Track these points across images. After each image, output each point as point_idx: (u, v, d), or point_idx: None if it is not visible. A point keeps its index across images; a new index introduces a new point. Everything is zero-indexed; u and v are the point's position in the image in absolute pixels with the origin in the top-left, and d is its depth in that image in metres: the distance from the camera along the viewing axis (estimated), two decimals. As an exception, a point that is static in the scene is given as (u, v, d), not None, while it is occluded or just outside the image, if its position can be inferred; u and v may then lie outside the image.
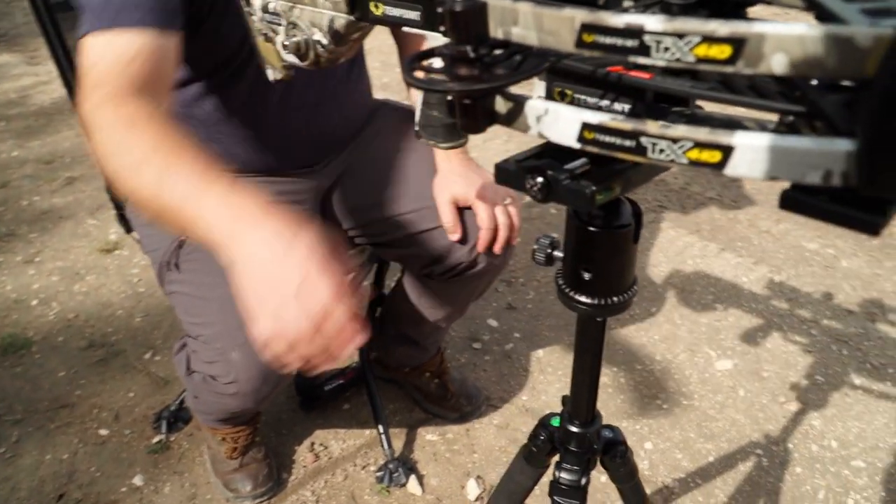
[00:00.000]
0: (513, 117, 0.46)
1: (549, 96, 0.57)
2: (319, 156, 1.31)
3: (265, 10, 0.80)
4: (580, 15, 0.39)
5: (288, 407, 1.72)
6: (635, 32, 0.37)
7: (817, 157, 0.35)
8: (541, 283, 2.13)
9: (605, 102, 0.54)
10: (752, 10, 0.52)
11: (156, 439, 1.66)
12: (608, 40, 0.38)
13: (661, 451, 1.60)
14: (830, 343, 1.86)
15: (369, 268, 1.65)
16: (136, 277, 2.17)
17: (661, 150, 0.40)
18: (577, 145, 0.43)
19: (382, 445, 1.57)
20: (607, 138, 0.42)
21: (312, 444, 1.64)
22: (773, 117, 0.46)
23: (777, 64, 0.34)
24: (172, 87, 0.95)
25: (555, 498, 0.78)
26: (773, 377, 1.77)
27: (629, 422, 1.67)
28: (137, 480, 1.57)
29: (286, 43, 0.78)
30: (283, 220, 0.68)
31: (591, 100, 0.55)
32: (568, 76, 0.55)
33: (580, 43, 0.39)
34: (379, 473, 1.55)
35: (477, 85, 0.43)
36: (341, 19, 0.72)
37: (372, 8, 0.67)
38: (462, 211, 1.24)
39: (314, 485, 1.54)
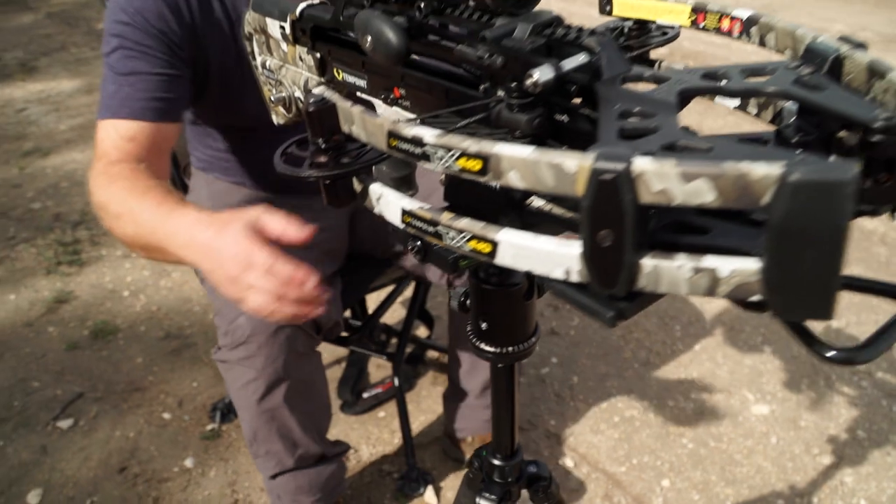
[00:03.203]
0: (364, 197, 0.54)
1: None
2: None
3: (264, 66, 0.92)
4: (387, 124, 0.46)
5: (328, 410, 1.85)
6: (419, 142, 0.44)
7: (558, 258, 0.41)
8: (588, 311, 2.16)
9: None
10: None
11: (209, 427, 1.82)
12: (405, 146, 0.45)
13: (678, 490, 1.60)
14: (881, 398, 1.79)
15: (405, 286, 1.75)
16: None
17: (452, 238, 0.46)
18: (401, 226, 0.50)
19: (406, 455, 1.66)
20: (418, 223, 0.49)
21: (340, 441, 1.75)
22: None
23: (514, 179, 0.40)
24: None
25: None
26: (810, 427, 1.73)
27: (650, 457, 1.68)
28: (188, 462, 1.73)
29: (272, 98, 0.90)
30: (235, 218, 0.86)
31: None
32: None
33: (389, 146, 0.47)
34: (399, 481, 1.64)
35: (322, 172, 0.52)
36: (314, 80, 0.82)
37: (335, 73, 0.77)
38: None
39: (340, 485, 1.65)
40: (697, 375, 1.90)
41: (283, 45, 0.85)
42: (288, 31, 0.81)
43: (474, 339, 0.71)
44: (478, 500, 0.84)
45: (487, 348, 0.70)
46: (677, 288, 0.38)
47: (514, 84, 0.50)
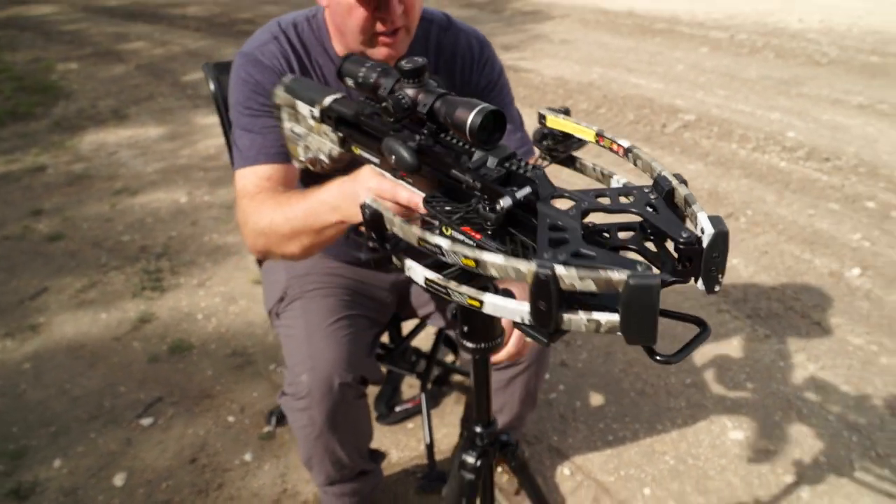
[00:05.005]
0: (403, 268, 0.85)
1: (441, 232, 0.94)
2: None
3: (291, 130, 1.22)
4: (417, 231, 0.77)
5: (365, 419, 2.18)
6: (438, 246, 0.75)
7: (518, 311, 0.69)
8: (595, 346, 2.46)
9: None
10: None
11: (266, 429, 2.17)
12: (429, 246, 0.75)
13: (657, 498, 1.88)
14: (843, 430, 2.05)
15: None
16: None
17: (458, 296, 0.74)
18: (423, 286, 0.79)
19: (429, 459, 1.98)
20: (435, 287, 0.77)
21: (377, 449, 2.08)
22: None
23: (493, 272, 0.69)
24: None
25: (460, 471, 1.17)
26: (778, 451, 2.00)
27: (636, 470, 1.97)
28: (248, 457, 2.08)
29: (302, 158, 1.21)
30: (360, 169, 1.06)
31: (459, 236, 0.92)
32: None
33: (419, 244, 0.76)
34: (422, 480, 1.96)
35: (374, 254, 0.84)
36: (336, 150, 1.14)
37: (353, 148, 1.09)
38: None
39: (371, 480, 1.97)
40: (685, 405, 2.18)
41: (310, 121, 1.13)
42: (317, 114, 1.10)
43: (459, 338, 1.04)
44: (463, 456, 1.16)
45: (468, 344, 1.03)
46: (580, 328, 0.67)
47: (487, 199, 0.81)
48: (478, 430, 1.16)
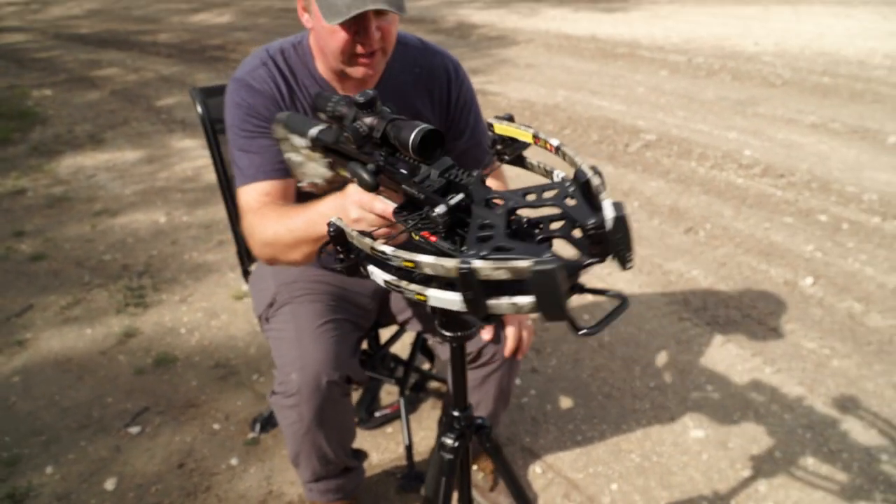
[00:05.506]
0: (366, 272, 0.96)
1: (410, 236, 1.06)
2: None
3: (290, 159, 1.35)
4: (368, 242, 0.89)
5: (347, 424, 2.27)
6: (383, 253, 0.86)
7: (455, 301, 0.80)
8: (564, 353, 2.60)
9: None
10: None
11: (251, 436, 2.26)
12: (378, 255, 0.87)
13: (623, 493, 2.00)
14: (797, 427, 2.19)
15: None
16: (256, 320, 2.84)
17: (409, 293, 0.85)
18: (384, 286, 0.91)
19: (407, 460, 2.08)
20: (392, 286, 0.88)
21: (360, 449, 2.18)
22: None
23: (428, 271, 0.79)
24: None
25: (439, 452, 1.29)
26: (736, 448, 2.13)
27: (603, 467, 2.09)
28: (234, 461, 2.17)
29: (303, 184, 1.34)
30: (348, 187, 1.18)
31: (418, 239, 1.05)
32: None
33: (370, 253, 0.89)
34: (401, 480, 2.06)
35: (342, 265, 0.95)
36: (328, 173, 1.26)
37: (339, 170, 1.22)
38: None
39: (354, 481, 2.07)
40: (649, 406, 2.31)
41: (304, 150, 1.27)
42: (308, 144, 1.24)
43: (439, 328, 1.15)
44: (442, 438, 1.28)
45: (446, 333, 1.15)
46: (506, 311, 0.77)
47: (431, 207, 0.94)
48: (455, 413, 1.28)
